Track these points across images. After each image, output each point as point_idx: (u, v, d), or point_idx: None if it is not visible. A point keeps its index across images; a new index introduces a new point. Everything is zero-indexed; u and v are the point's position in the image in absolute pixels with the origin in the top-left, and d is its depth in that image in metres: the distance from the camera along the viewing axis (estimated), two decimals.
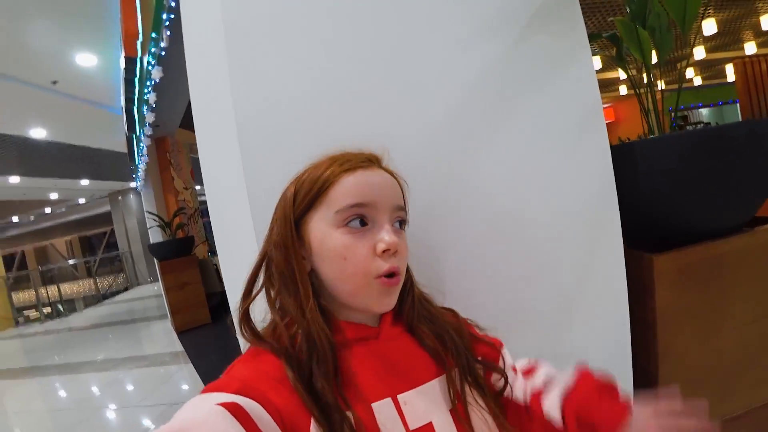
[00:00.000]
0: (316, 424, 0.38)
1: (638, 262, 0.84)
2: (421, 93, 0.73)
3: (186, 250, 4.17)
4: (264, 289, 0.48)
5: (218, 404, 0.34)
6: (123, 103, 2.81)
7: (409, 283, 0.53)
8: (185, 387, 2.80)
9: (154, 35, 1.60)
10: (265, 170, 0.68)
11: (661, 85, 1.10)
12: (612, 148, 0.81)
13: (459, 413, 0.46)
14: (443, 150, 0.74)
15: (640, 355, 0.83)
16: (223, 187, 0.86)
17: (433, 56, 0.74)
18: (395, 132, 0.72)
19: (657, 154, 0.80)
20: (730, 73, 6.78)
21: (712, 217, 0.86)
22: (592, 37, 0.98)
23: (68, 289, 9.12)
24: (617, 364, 0.83)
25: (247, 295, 0.48)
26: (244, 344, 0.48)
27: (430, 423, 0.45)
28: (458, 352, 0.50)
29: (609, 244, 0.81)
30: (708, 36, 5.54)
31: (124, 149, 4.44)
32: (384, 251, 0.45)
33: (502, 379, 0.53)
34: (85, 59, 2.71)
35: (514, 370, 0.57)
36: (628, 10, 0.95)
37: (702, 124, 7.56)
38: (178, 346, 3.67)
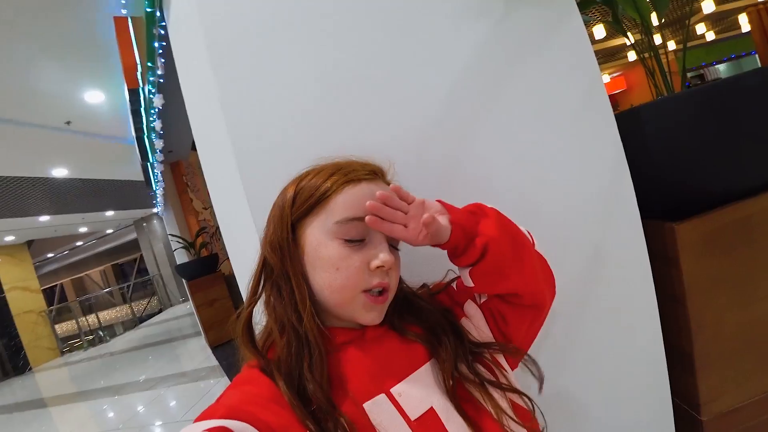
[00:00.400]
0: None
1: (658, 233, 0.80)
2: (413, 83, 0.71)
3: (211, 268, 4.26)
4: (263, 293, 0.48)
5: (205, 430, 0.34)
6: (133, 133, 2.91)
7: (397, 290, 0.52)
8: None
9: (149, 64, 1.65)
10: (262, 176, 0.68)
11: (672, 45, 1.04)
12: (617, 116, 0.77)
13: (455, 393, 0.45)
14: (442, 140, 0.72)
15: (670, 331, 0.79)
16: (226, 198, 0.87)
17: (421, 44, 0.72)
18: (390, 127, 0.71)
19: (665, 116, 0.76)
20: (745, 24, 6.39)
21: (733, 176, 0.80)
22: (585, 4, 0.94)
23: (107, 315, 9.53)
24: (647, 343, 0.79)
25: (251, 300, 0.48)
26: None
27: (431, 408, 0.44)
28: (447, 336, 0.49)
29: (625, 216, 0.78)
30: None
31: (141, 178, 4.59)
32: (377, 267, 0.45)
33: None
34: (93, 96, 2.82)
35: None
36: None
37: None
38: (213, 361, 3.76)
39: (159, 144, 2.84)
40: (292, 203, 0.47)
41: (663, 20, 0.98)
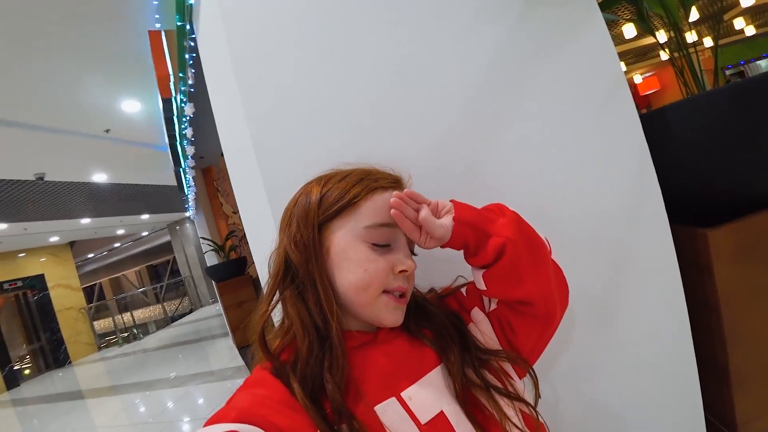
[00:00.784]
0: None
1: (689, 239, 0.76)
2: (432, 87, 0.72)
3: (240, 270, 4.38)
4: (280, 293, 0.48)
5: None
6: (167, 140, 3.06)
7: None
8: None
9: (181, 75, 1.73)
10: (285, 182, 0.69)
11: (708, 42, 1.00)
12: (642, 117, 0.74)
13: (465, 398, 0.45)
14: (461, 143, 0.72)
15: (702, 342, 0.75)
16: (251, 204, 0.90)
17: (440, 47, 0.72)
18: (409, 131, 0.71)
19: (692, 116, 0.73)
20: None
21: (765, 179, 0.76)
22: (609, 3, 0.91)
23: (141, 314, 9.99)
24: (678, 353, 0.75)
25: (269, 300, 0.48)
26: None
27: (442, 412, 0.44)
28: (453, 341, 0.49)
29: (653, 221, 0.74)
30: None
31: (174, 183, 4.80)
32: (401, 271, 0.48)
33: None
34: (130, 105, 2.99)
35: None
36: None
37: None
38: (240, 361, 3.86)
39: (190, 150, 2.96)
40: (319, 205, 0.48)
41: (699, 16, 0.93)
